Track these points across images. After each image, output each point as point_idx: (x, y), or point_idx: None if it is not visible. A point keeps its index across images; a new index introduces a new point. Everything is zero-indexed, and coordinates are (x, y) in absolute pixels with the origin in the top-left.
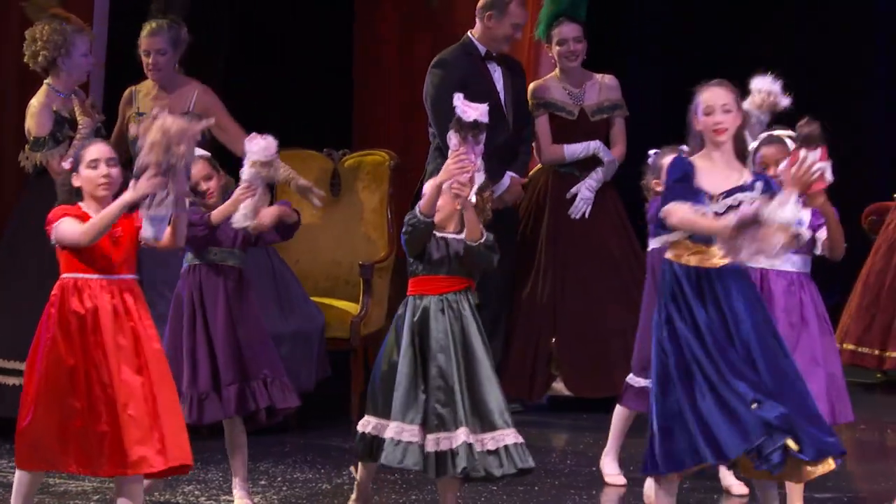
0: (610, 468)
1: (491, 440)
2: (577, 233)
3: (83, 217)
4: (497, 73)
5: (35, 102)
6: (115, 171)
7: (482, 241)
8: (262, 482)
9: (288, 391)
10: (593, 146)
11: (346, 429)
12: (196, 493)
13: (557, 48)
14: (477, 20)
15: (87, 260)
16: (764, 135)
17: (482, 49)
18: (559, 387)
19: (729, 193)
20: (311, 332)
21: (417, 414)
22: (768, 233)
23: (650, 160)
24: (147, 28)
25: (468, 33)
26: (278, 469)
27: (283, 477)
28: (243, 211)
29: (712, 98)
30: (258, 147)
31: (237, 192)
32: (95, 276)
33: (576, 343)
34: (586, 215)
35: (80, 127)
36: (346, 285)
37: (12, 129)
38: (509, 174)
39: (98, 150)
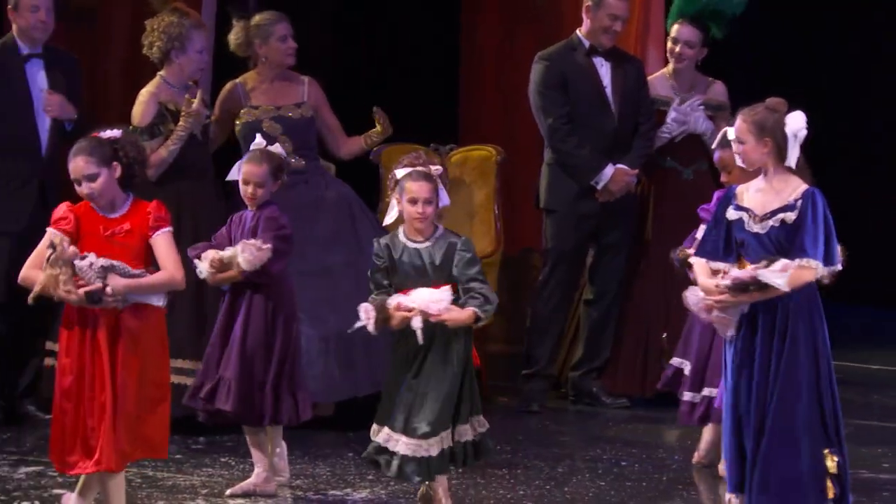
0: None
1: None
2: (684, 225)
3: (79, 219)
4: (604, 68)
5: (144, 91)
6: (95, 185)
7: (479, 316)
8: (370, 477)
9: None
10: (672, 125)
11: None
12: (304, 487)
13: (669, 44)
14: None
15: None
16: (720, 135)
17: (587, 44)
18: None
19: (773, 213)
20: None
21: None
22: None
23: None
24: (275, 15)
25: (577, 31)
26: None
27: None
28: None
29: (735, 129)
30: (250, 256)
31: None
32: None
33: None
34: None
35: (177, 128)
36: None
37: (117, 120)
38: (612, 165)
39: (72, 168)
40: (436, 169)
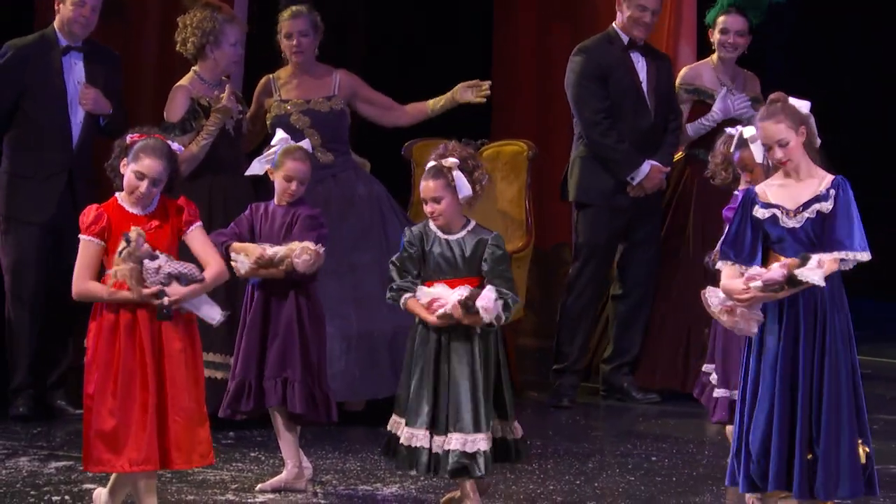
0: None
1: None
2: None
3: (110, 219)
4: (640, 63)
5: (177, 87)
6: (155, 190)
7: (489, 323)
8: (400, 472)
9: (299, 397)
10: (717, 114)
11: None
12: (334, 482)
13: (719, 36)
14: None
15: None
16: (736, 135)
17: (625, 38)
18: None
19: (806, 206)
20: None
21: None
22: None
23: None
24: (288, 12)
25: (613, 24)
26: None
27: None
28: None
29: (765, 137)
30: (303, 262)
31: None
32: None
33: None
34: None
35: (207, 123)
36: None
37: (149, 116)
38: (649, 162)
39: (148, 165)
40: (451, 161)
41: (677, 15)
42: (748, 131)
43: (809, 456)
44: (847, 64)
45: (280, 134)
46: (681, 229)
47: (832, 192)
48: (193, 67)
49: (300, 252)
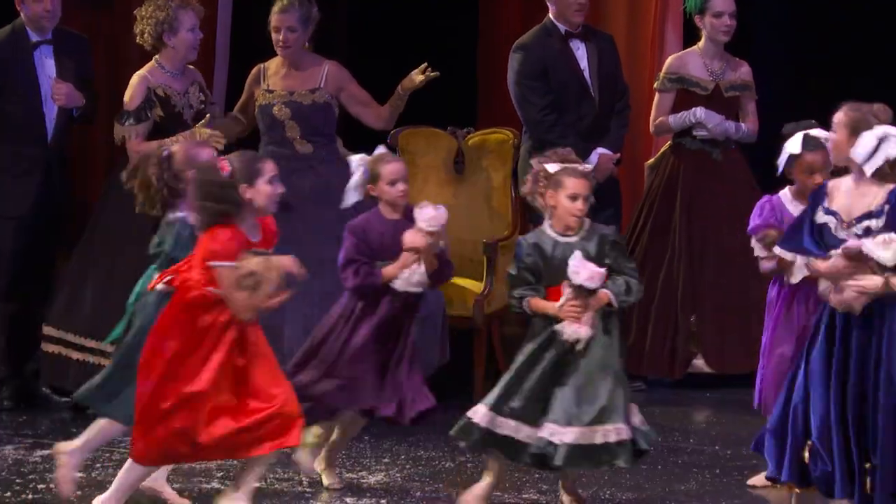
0: None
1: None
2: (714, 206)
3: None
4: (581, 51)
5: (136, 75)
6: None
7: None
8: (386, 460)
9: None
10: (699, 113)
11: (468, 407)
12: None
13: (713, 20)
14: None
15: None
16: (800, 137)
17: (562, 28)
18: (700, 363)
19: (859, 220)
20: (435, 314)
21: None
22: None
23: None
24: (278, 5)
25: (549, 15)
26: (401, 447)
27: (407, 455)
28: (406, 276)
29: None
30: (426, 216)
31: (404, 255)
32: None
33: (716, 318)
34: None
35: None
36: (470, 263)
37: None
38: (597, 151)
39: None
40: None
41: (664, 1)
42: (821, 134)
43: (868, 465)
44: (846, 61)
45: (355, 159)
46: (667, 218)
47: (885, 207)
48: (155, 56)
49: (422, 208)
